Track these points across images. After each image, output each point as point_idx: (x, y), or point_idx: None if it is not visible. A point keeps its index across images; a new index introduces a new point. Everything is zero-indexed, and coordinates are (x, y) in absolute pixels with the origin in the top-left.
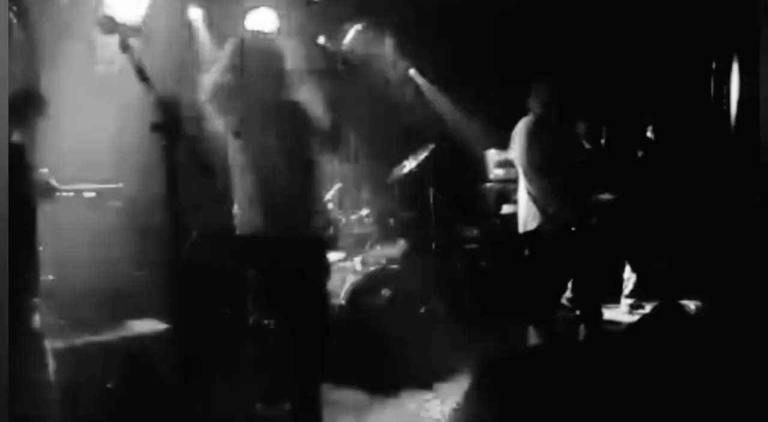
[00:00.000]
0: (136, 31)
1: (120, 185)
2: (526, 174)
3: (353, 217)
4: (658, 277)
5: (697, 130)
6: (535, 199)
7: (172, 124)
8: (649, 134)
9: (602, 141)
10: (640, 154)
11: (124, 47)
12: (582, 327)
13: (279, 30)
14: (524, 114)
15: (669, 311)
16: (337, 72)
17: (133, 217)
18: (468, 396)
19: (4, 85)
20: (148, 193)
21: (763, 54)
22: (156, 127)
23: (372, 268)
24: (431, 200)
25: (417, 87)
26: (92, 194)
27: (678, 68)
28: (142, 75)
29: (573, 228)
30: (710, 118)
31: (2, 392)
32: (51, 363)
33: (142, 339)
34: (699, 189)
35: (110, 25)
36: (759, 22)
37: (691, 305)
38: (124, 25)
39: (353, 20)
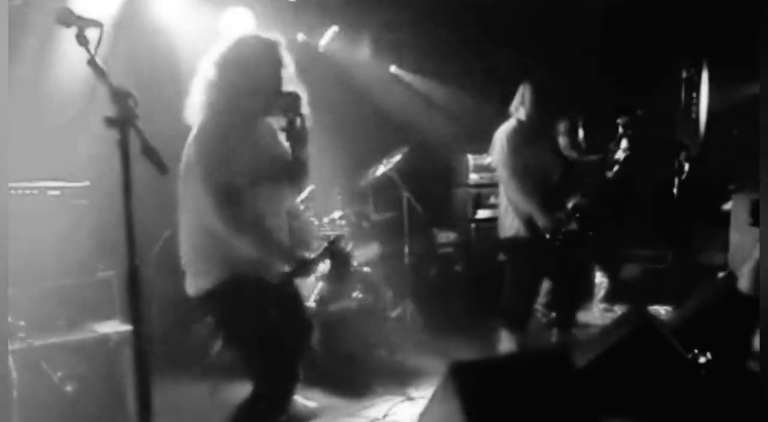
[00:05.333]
0: (94, 23)
1: (86, 183)
2: (505, 179)
3: (326, 220)
4: (627, 283)
5: (668, 137)
6: (513, 204)
7: (126, 118)
8: (624, 142)
9: (581, 146)
10: (614, 159)
11: (80, 39)
12: (555, 331)
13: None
14: (502, 118)
15: (638, 315)
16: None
17: (99, 216)
18: (434, 399)
19: (4, 85)
20: (113, 191)
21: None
22: (110, 122)
23: None
24: (406, 203)
25: (400, 84)
26: (57, 192)
27: (651, 76)
28: (96, 68)
29: (550, 234)
30: (681, 126)
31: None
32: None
33: (104, 340)
34: (669, 196)
35: (67, 17)
36: (759, 22)
37: (661, 310)
38: (81, 17)
39: (331, 20)
